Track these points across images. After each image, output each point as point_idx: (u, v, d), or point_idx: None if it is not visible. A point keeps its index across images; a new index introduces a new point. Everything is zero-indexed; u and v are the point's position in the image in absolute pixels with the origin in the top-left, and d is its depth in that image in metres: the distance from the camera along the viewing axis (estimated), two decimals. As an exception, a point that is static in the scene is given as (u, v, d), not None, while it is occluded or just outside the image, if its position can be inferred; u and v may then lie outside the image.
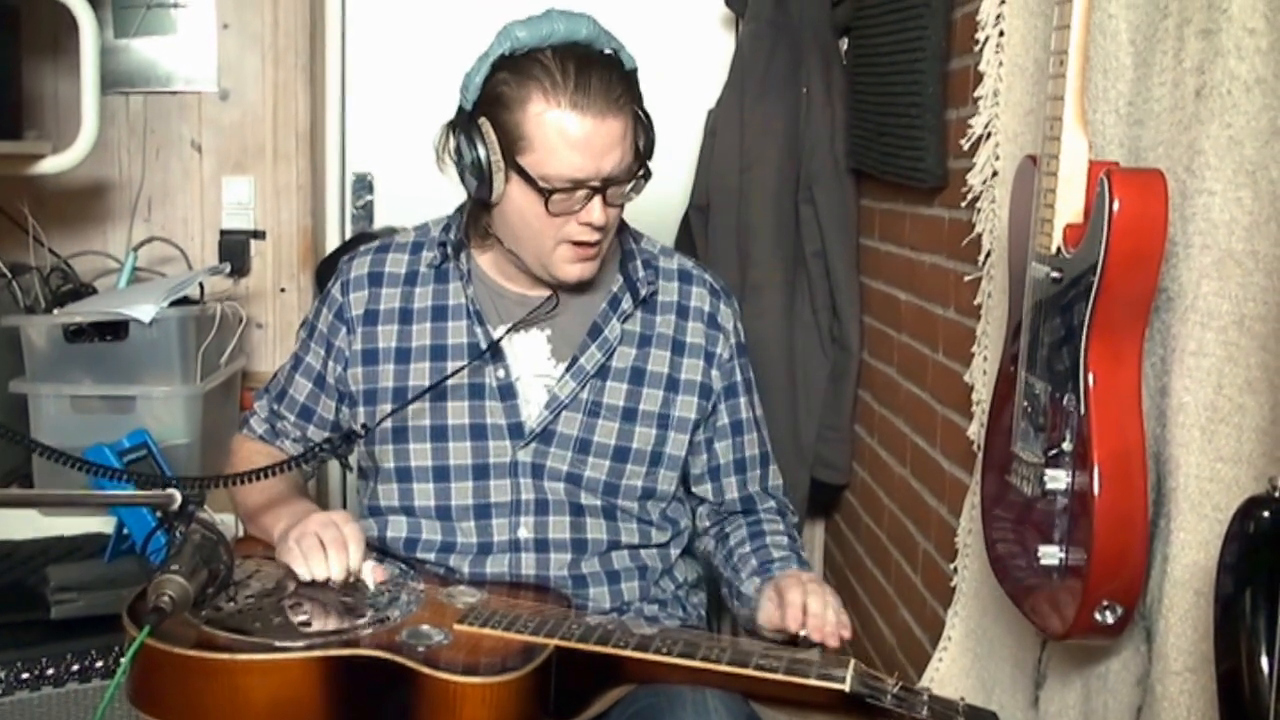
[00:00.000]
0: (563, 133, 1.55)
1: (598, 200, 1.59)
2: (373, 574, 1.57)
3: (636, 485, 1.73)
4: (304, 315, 1.88)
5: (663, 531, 1.78)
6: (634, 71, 1.64)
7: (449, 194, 1.85)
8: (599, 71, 1.56)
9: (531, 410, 1.71)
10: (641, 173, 1.64)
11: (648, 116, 1.64)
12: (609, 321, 1.74)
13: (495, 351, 1.70)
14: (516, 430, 1.70)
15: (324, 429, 1.81)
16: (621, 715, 1.53)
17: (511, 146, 1.58)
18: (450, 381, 1.69)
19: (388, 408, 1.71)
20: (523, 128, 1.56)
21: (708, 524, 1.85)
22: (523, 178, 1.58)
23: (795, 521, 1.89)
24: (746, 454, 1.83)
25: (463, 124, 1.62)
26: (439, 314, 1.74)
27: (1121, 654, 1.32)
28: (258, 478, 1.58)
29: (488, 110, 1.59)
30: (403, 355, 1.73)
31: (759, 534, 1.80)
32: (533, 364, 1.73)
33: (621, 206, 1.66)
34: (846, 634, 1.52)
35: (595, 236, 1.62)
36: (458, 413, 1.71)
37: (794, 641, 1.56)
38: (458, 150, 1.62)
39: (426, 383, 1.70)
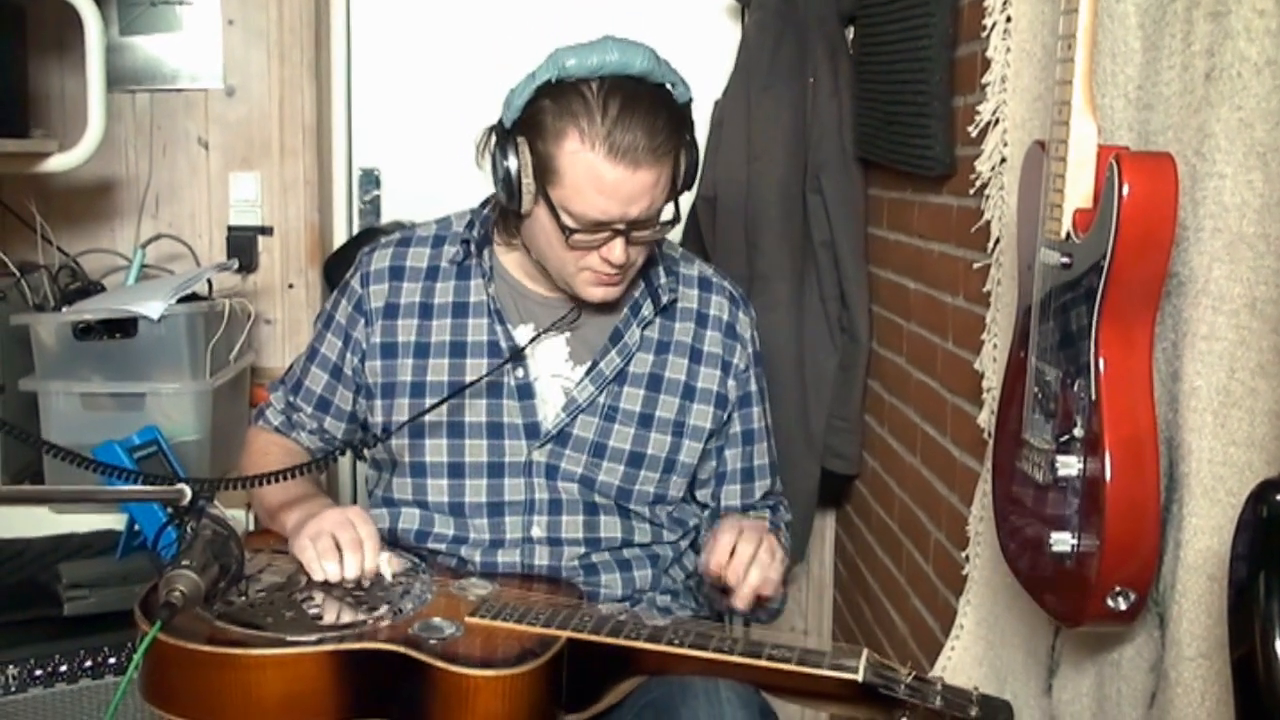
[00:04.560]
0: (593, 176, 1.52)
1: (619, 241, 1.58)
2: (389, 565, 1.57)
3: (649, 491, 1.73)
4: (315, 309, 1.88)
5: (672, 532, 1.78)
6: (687, 104, 1.61)
7: (457, 188, 1.85)
8: (643, 114, 1.52)
9: (548, 411, 1.71)
10: (669, 218, 1.62)
11: (693, 143, 1.62)
12: (629, 327, 1.73)
13: (517, 353, 1.70)
14: (533, 430, 1.70)
15: (340, 420, 1.81)
16: (634, 706, 1.52)
17: (543, 175, 1.56)
18: (468, 379, 1.69)
19: (405, 402, 1.71)
20: (555, 161, 1.54)
21: (701, 524, 1.86)
22: (549, 207, 1.57)
23: (788, 519, 1.89)
24: (755, 463, 1.83)
25: (501, 137, 1.60)
26: (459, 310, 1.73)
27: (1135, 640, 1.32)
28: (272, 481, 1.58)
29: (526, 132, 1.56)
30: (421, 350, 1.72)
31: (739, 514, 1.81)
32: (551, 365, 1.72)
33: (649, 244, 1.65)
34: (766, 593, 1.52)
35: (615, 270, 1.61)
36: (475, 410, 1.70)
37: (723, 592, 1.56)
38: (493, 158, 1.61)
39: (445, 378, 1.70)
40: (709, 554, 1.56)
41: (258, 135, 2.84)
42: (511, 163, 1.57)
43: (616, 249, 1.58)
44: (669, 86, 1.59)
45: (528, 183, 1.57)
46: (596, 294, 1.65)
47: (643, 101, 1.53)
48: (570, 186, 1.54)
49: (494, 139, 1.61)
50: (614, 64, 1.53)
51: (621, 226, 1.56)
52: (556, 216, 1.56)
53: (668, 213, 1.62)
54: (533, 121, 1.56)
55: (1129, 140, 1.32)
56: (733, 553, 1.54)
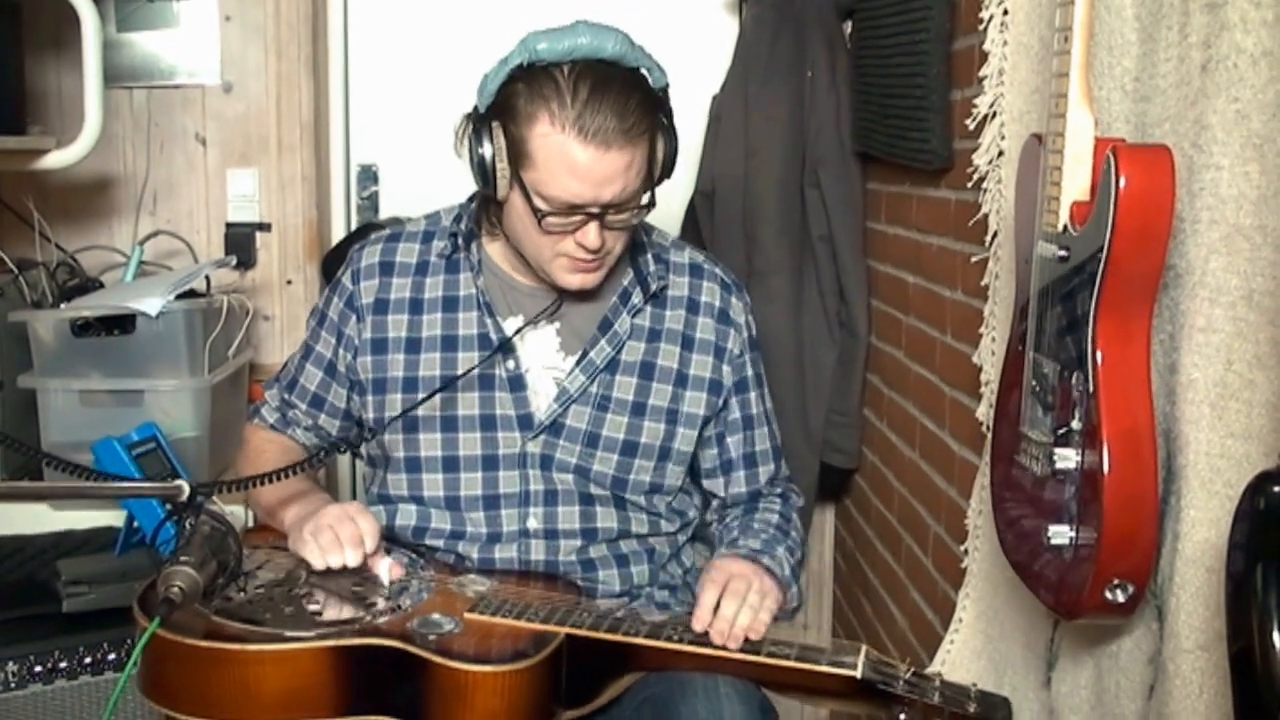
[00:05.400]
0: (564, 158, 1.52)
1: (594, 225, 1.57)
2: (389, 572, 1.57)
3: (644, 480, 1.73)
4: (312, 305, 1.88)
5: (670, 522, 1.78)
6: (664, 89, 1.61)
7: (454, 184, 1.85)
8: (615, 97, 1.52)
9: (540, 402, 1.71)
10: (645, 201, 1.61)
11: (672, 129, 1.62)
12: (619, 316, 1.73)
13: (505, 343, 1.70)
14: (525, 422, 1.70)
15: (335, 417, 1.81)
16: (633, 702, 1.53)
17: (516, 159, 1.56)
18: (459, 372, 1.69)
19: (397, 397, 1.71)
20: (528, 144, 1.54)
21: (714, 517, 1.86)
22: (523, 191, 1.57)
23: (800, 504, 1.89)
24: (756, 449, 1.83)
25: (476, 122, 1.60)
26: (449, 304, 1.74)
27: (1133, 633, 1.32)
28: (271, 480, 1.58)
29: (500, 116, 1.57)
30: (413, 345, 1.73)
31: (750, 513, 1.81)
32: (542, 356, 1.72)
33: (626, 229, 1.64)
34: (755, 637, 1.47)
35: (591, 256, 1.61)
36: (468, 404, 1.71)
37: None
38: (469, 145, 1.61)
39: (436, 373, 1.70)
40: (694, 614, 1.50)
41: (255, 131, 2.84)
42: (486, 148, 1.57)
43: (591, 233, 1.57)
44: (644, 71, 1.58)
45: (502, 167, 1.57)
46: (574, 281, 1.65)
47: (614, 84, 1.53)
48: (543, 169, 1.54)
49: (469, 126, 1.62)
50: (586, 48, 1.53)
51: (595, 210, 1.56)
52: (530, 200, 1.56)
53: (644, 199, 1.61)
54: (506, 106, 1.56)
55: (1126, 132, 1.32)
56: (717, 608, 1.49)
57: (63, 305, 2.36)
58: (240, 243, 2.85)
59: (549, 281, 1.67)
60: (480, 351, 1.70)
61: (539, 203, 1.56)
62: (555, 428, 1.70)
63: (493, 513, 1.69)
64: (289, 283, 2.89)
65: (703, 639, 1.46)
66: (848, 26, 2.62)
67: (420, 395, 1.68)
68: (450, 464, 1.70)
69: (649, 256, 1.77)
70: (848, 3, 2.55)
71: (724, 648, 1.45)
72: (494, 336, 1.70)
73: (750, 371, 1.81)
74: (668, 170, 1.63)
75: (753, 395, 1.82)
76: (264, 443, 1.83)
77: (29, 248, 2.59)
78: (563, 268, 1.63)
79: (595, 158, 1.52)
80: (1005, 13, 1.68)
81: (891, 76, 2.23)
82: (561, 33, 1.54)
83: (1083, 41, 1.23)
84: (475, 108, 1.61)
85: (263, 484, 1.58)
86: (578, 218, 1.56)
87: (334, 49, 2.97)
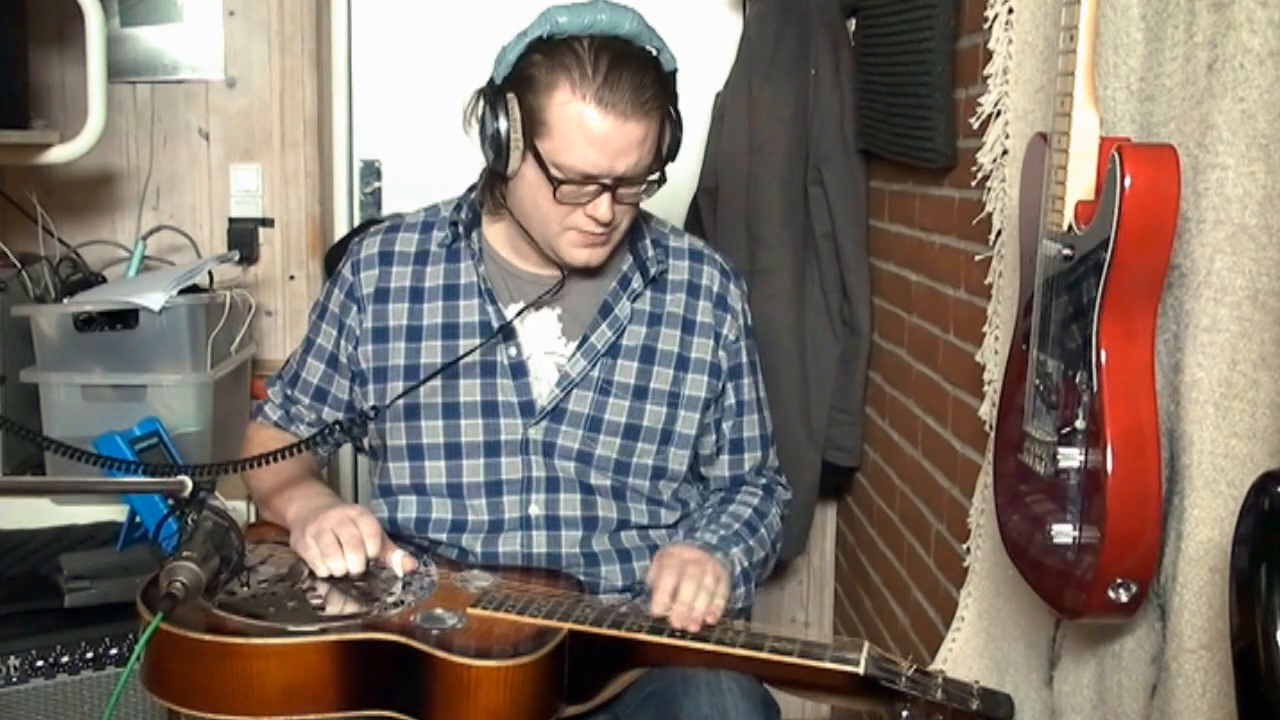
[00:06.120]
0: (582, 126, 1.54)
1: (606, 197, 1.59)
2: (401, 564, 1.58)
3: (647, 464, 1.74)
4: (314, 300, 1.88)
5: (672, 512, 1.79)
6: (673, 73, 1.63)
7: (457, 180, 1.85)
8: (632, 71, 1.55)
9: (542, 388, 1.71)
10: (656, 177, 1.63)
11: (678, 116, 1.64)
12: (619, 300, 1.74)
13: (506, 330, 1.71)
14: (527, 408, 1.70)
15: (338, 410, 1.81)
16: (636, 697, 1.53)
17: (532, 129, 1.58)
18: (462, 359, 1.69)
19: (399, 386, 1.71)
20: (545, 113, 1.56)
21: (700, 500, 1.86)
22: (537, 161, 1.58)
23: (787, 498, 1.90)
24: (745, 435, 1.84)
25: (490, 95, 1.62)
26: (450, 293, 1.74)
27: (1136, 632, 1.32)
28: (269, 461, 1.58)
29: (516, 88, 1.58)
30: (414, 334, 1.73)
31: (727, 502, 1.82)
32: (543, 342, 1.73)
33: (635, 204, 1.66)
34: (712, 620, 1.49)
35: (600, 229, 1.62)
36: (469, 390, 1.71)
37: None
38: (482, 119, 1.62)
39: (438, 360, 1.71)
40: (653, 598, 1.53)
41: (258, 127, 2.84)
42: (500, 120, 1.59)
43: (603, 205, 1.59)
44: (655, 51, 1.61)
45: (516, 138, 1.59)
46: (581, 255, 1.66)
47: (632, 59, 1.56)
48: (560, 137, 1.56)
49: (482, 100, 1.63)
50: (604, 24, 1.56)
51: (608, 181, 1.57)
52: (545, 170, 1.58)
53: (654, 174, 1.63)
54: (523, 76, 1.58)
55: (1131, 132, 1.32)
56: (675, 593, 1.51)
57: (65, 300, 2.36)
58: (243, 238, 2.85)
59: (554, 258, 1.68)
60: (482, 339, 1.71)
61: (554, 172, 1.57)
62: (557, 413, 1.71)
63: (495, 499, 1.70)
64: (291, 278, 2.89)
65: (705, 634, 1.46)
66: (852, 24, 2.62)
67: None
68: (452, 451, 1.71)
69: (648, 241, 1.78)
70: (851, 0, 2.55)
71: (725, 642, 1.45)
72: (496, 324, 1.71)
73: (744, 359, 1.82)
74: (673, 153, 1.65)
75: (745, 382, 1.83)
76: (266, 439, 1.83)
77: (32, 242, 2.59)
78: (570, 242, 1.64)
79: (613, 127, 1.54)
80: (1010, 11, 1.68)
81: (895, 74, 2.23)
82: (581, 8, 1.57)
83: (1088, 40, 1.23)
84: (490, 80, 1.63)
85: (262, 464, 1.58)
86: (591, 188, 1.58)
87: (337, 44, 2.97)
